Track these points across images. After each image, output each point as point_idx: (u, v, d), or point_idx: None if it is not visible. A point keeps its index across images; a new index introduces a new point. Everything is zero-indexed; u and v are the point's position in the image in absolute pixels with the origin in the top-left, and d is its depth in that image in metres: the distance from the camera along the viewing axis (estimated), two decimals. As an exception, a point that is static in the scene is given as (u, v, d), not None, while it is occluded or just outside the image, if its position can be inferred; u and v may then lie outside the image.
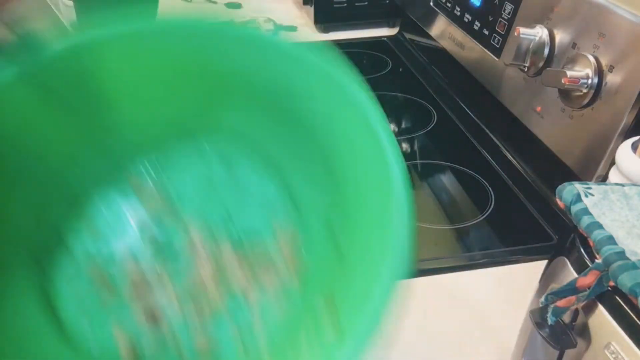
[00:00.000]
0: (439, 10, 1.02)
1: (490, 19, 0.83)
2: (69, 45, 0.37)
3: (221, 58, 0.40)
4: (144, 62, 0.39)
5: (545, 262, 0.43)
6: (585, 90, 0.61)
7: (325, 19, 1.30)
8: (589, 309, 0.36)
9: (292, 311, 0.40)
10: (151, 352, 0.39)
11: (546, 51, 0.69)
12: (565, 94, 0.65)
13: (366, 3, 1.28)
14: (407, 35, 1.26)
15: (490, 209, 0.73)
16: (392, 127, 0.95)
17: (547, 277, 0.42)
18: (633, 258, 0.33)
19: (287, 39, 0.39)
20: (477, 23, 0.87)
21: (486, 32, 0.84)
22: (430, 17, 1.06)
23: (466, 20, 0.90)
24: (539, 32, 0.69)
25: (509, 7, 0.78)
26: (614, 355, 0.33)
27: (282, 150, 0.43)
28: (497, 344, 0.54)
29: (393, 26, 1.34)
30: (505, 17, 0.79)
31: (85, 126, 0.41)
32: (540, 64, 0.70)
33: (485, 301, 0.60)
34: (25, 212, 0.40)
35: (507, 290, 0.61)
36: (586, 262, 0.37)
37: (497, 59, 0.81)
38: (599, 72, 0.60)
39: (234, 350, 0.39)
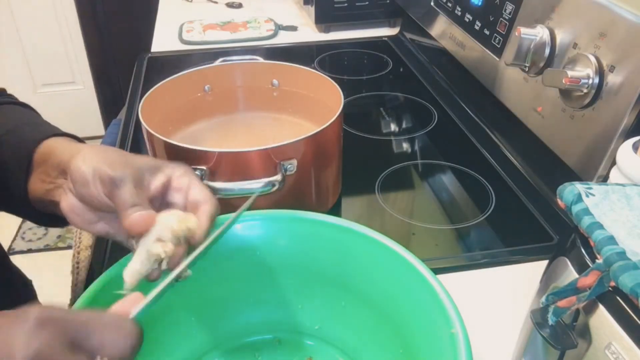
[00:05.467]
0: (439, 10, 1.02)
1: (491, 19, 0.83)
2: None
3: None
4: None
5: (545, 262, 0.43)
6: (586, 90, 0.61)
7: (325, 18, 1.30)
8: (590, 309, 0.36)
9: None
10: None
11: (547, 51, 0.69)
12: (566, 94, 0.65)
13: (367, 3, 1.28)
14: (408, 35, 1.26)
15: (491, 209, 0.73)
16: (393, 127, 0.95)
17: (547, 277, 0.42)
18: (634, 258, 0.33)
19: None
20: (477, 23, 0.87)
21: (487, 32, 0.84)
22: (431, 17, 1.06)
23: (467, 20, 0.90)
24: (540, 32, 0.69)
25: (509, 7, 0.78)
26: (614, 356, 0.33)
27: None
28: (497, 344, 0.54)
29: (394, 26, 1.34)
30: (506, 17, 0.79)
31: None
32: (541, 64, 0.70)
33: (486, 301, 0.60)
34: None
35: (508, 291, 0.61)
36: (587, 263, 0.37)
37: (497, 59, 0.81)
38: (600, 72, 0.60)
39: None
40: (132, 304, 0.35)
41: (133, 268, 0.40)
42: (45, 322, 0.29)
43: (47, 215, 0.52)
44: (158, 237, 0.40)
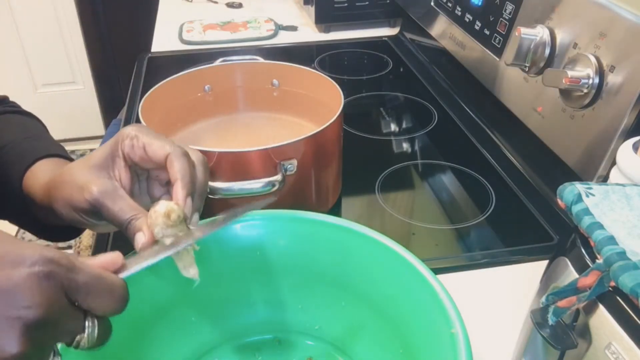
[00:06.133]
0: (439, 10, 1.02)
1: (491, 19, 0.83)
2: None
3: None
4: None
5: (546, 262, 0.43)
6: (586, 91, 0.61)
7: (326, 18, 1.30)
8: (590, 309, 0.36)
9: None
10: None
11: (547, 51, 0.69)
12: (566, 94, 0.65)
13: (367, 3, 1.28)
14: (408, 35, 1.26)
15: (491, 209, 0.73)
16: (393, 127, 0.95)
17: (547, 277, 0.42)
18: (634, 258, 0.33)
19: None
20: (477, 23, 0.87)
21: (487, 32, 0.84)
22: (431, 17, 1.06)
23: (467, 20, 0.90)
24: (540, 32, 0.69)
25: (509, 7, 0.78)
26: (614, 356, 0.33)
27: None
28: (497, 344, 0.54)
29: (394, 26, 1.34)
30: (506, 17, 0.79)
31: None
32: (541, 64, 0.70)
33: (486, 301, 0.60)
34: None
35: (508, 291, 0.61)
36: (587, 263, 0.37)
37: (497, 59, 0.81)
38: (600, 72, 0.60)
39: None
40: (113, 262, 0.36)
41: (183, 265, 0.42)
42: (49, 276, 0.30)
43: (54, 228, 0.53)
44: (166, 236, 0.41)
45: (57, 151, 0.53)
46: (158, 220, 0.40)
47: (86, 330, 0.33)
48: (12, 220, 0.54)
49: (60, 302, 0.31)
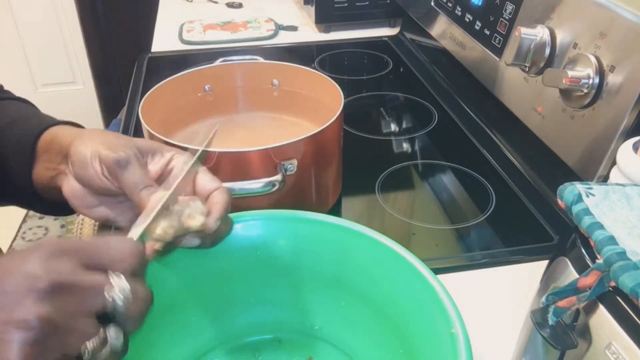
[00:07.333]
0: (440, 10, 1.02)
1: (491, 19, 0.83)
2: None
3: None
4: None
5: (546, 262, 0.43)
6: (586, 91, 0.61)
7: (326, 18, 1.30)
8: (590, 309, 0.36)
9: None
10: None
11: (547, 51, 0.69)
12: (566, 94, 0.65)
13: (367, 3, 1.28)
14: (408, 35, 1.26)
15: (491, 209, 0.73)
16: (393, 127, 0.95)
17: (548, 278, 0.42)
18: (634, 258, 0.33)
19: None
20: (478, 23, 0.87)
21: (487, 32, 0.84)
22: (431, 17, 1.06)
23: (467, 20, 0.90)
24: (540, 32, 0.69)
25: (510, 7, 0.78)
26: (614, 356, 0.33)
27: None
28: (497, 344, 0.54)
29: (394, 26, 1.34)
30: (506, 17, 0.79)
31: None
32: (541, 64, 0.70)
33: (486, 301, 0.60)
34: None
35: (508, 291, 0.61)
36: (587, 263, 0.37)
37: (498, 59, 0.81)
38: (600, 72, 0.60)
39: None
40: None
41: (166, 225, 0.40)
42: (59, 251, 0.31)
43: (52, 204, 0.52)
44: (189, 214, 0.41)
45: (67, 121, 0.53)
46: (183, 211, 0.40)
47: (115, 287, 0.32)
48: (17, 202, 0.54)
49: (72, 268, 0.31)
